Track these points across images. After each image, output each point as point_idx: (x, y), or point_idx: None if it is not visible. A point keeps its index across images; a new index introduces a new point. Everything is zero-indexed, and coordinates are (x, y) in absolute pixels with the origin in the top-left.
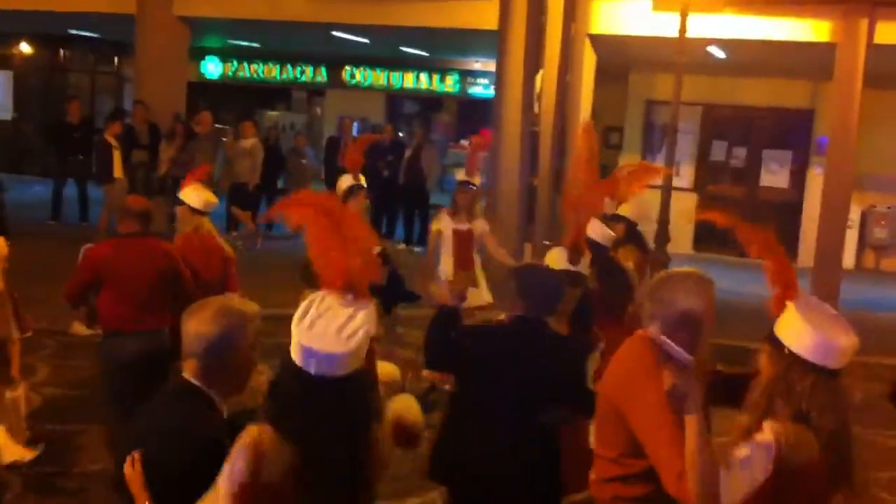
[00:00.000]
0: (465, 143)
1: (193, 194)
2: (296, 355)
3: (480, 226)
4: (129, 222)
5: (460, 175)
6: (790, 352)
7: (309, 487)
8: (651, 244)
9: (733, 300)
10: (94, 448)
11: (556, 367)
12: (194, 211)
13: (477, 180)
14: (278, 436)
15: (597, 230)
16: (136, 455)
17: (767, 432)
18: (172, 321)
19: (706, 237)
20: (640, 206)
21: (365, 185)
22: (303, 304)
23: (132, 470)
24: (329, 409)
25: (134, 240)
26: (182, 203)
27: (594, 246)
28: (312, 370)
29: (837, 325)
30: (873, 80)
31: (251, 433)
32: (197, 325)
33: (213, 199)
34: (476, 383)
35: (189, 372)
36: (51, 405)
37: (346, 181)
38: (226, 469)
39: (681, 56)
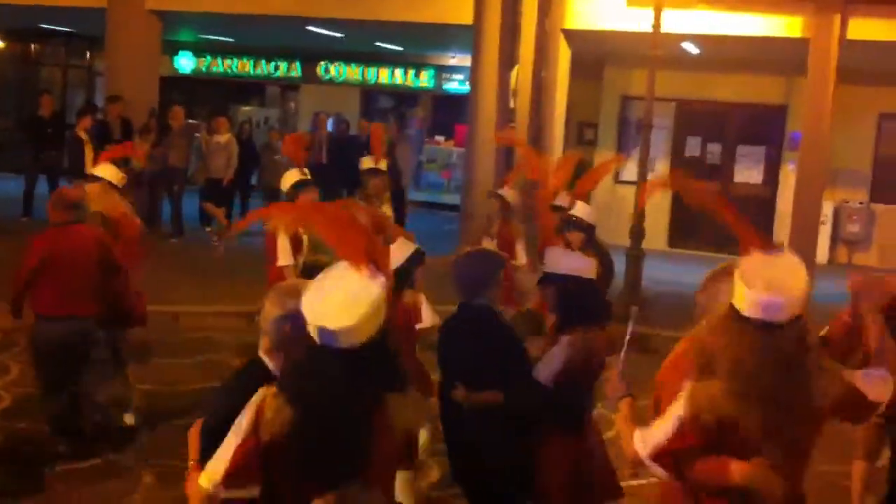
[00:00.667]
0: (440, 138)
1: (110, 170)
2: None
3: (389, 212)
4: (62, 212)
5: (367, 163)
6: (731, 305)
7: (303, 451)
8: (627, 240)
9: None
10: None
11: (479, 351)
12: (112, 186)
13: (383, 165)
14: (282, 398)
15: (583, 210)
16: (199, 420)
17: (679, 402)
18: (102, 307)
19: (681, 232)
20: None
21: (311, 178)
22: (321, 275)
23: (195, 432)
24: (332, 377)
25: (67, 228)
26: (99, 179)
27: (585, 227)
28: (318, 340)
29: (774, 279)
30: (846, 75)
31: (259, 394)
32: (268, 304)
33: (124, 176)
34: (442, 374)
35: (262, 349)
36: (21, 404)
37: (292, 176)
38: (234, 424)
39: (655, 51)
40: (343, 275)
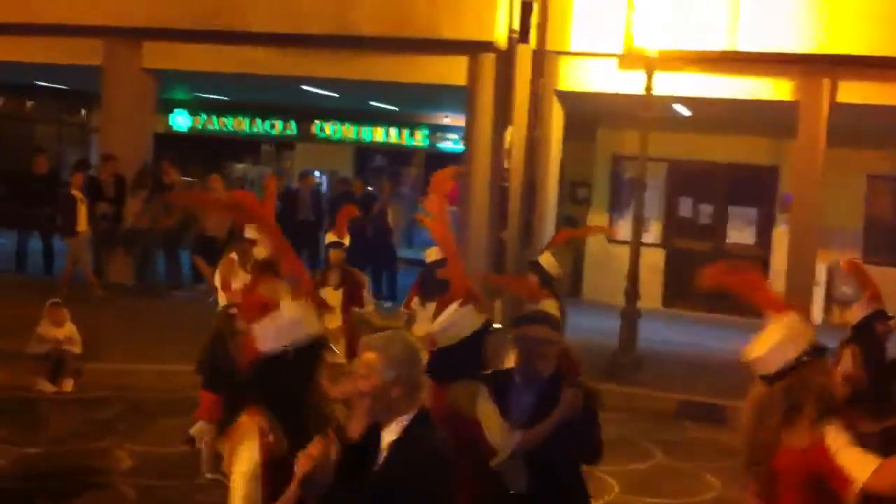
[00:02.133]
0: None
1: None
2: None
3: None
4: None
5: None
6: None
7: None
8: (622, 300)
9: (702, 355)
10: None
11: None
12: None
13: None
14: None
15: (547, 260)
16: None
17: None
18: None
19: (675, 293)
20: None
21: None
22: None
23: None
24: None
25: None
26: None
27: (542, 273)
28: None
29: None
30: (835, 136)
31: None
32: None
33: None
34: None
35: None
36: (14, 464)
37: None
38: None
39: (647, 113)
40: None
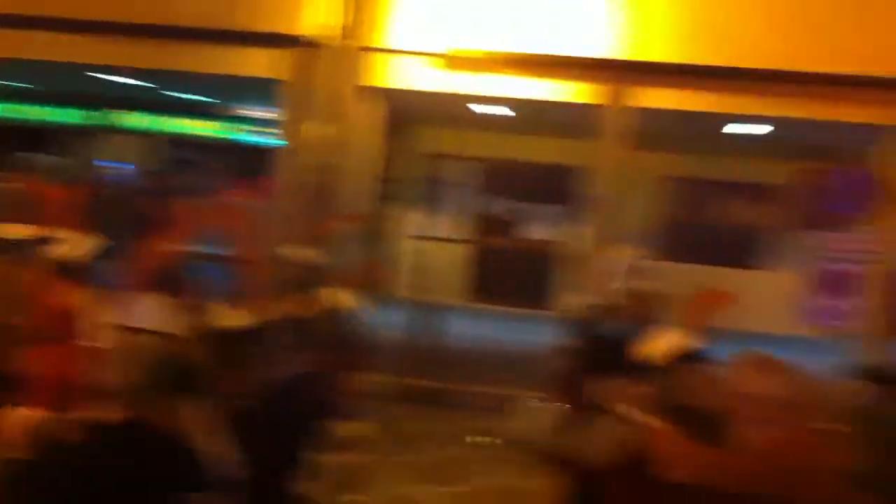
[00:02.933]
0: (238, 189)
1: None
2: None
3: None
4: None
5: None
6: None
7: None
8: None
9: (498, 348)
10: None
11: None
12: None
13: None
14: None
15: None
16: None
17: None
18: None
19: (480, 288)
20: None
21: None
22: None
23: None
24: None
25: None
26: None
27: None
28: None
29: None
30: (636, 140)
31: None
32: None
33: None
34: None
35: None
36: None
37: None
38: None
39: (458, 111)
40: None
